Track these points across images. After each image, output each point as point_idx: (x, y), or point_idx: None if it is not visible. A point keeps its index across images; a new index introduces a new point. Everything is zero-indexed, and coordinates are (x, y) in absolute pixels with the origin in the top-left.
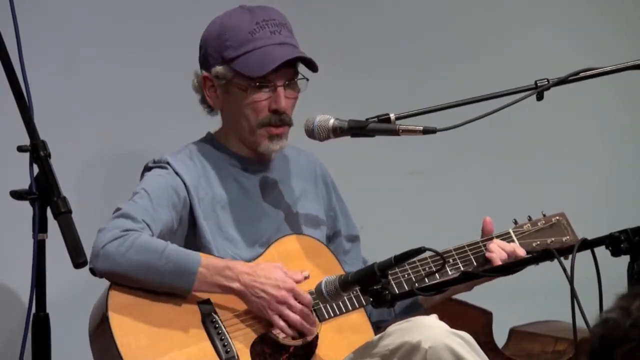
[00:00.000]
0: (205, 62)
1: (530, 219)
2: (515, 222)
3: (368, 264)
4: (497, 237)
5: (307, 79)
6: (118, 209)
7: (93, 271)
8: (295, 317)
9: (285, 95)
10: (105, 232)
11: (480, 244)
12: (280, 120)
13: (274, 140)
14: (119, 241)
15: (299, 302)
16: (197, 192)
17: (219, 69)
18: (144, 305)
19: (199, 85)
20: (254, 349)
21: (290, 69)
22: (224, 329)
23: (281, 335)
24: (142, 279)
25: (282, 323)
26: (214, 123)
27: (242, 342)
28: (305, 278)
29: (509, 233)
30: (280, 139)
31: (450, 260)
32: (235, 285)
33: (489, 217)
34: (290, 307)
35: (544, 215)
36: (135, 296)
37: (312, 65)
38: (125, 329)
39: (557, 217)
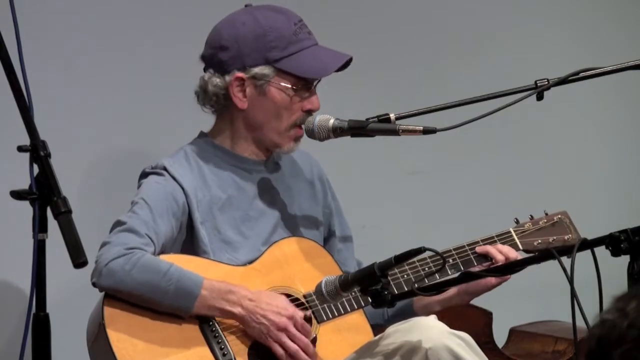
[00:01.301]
0: (237, 62)
1: (532, 217)
2: (517, 221)
3: (362, 266)
4: (498, 236)
5: (319, 80)
6: (120, 222)
7: (95, 285)
8: (293, 346)
9: None
10: (109, 247)
11: (481, 244)
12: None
13: (298, 141)
14: (124, 259)
15: (298, 331)
16: (196, 194)
17: (259, 69)
18: (141, 310)
19: (224, 85)
20: (252, 351)
21: None
22: (221, 333)
23: None
24: (144, 298)
25: (281, 351)
26: (211, 123)
27: (239, 346)
28: (306, 316)
29: (509, 232)
30: (300, 139)
31: (450, 260)
32: (237, 310)
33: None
34: (289, 335)
35: (546, 214)
36: (131, 302)
37: (344, 67)
38: (122, 335)
39: (559, 216)
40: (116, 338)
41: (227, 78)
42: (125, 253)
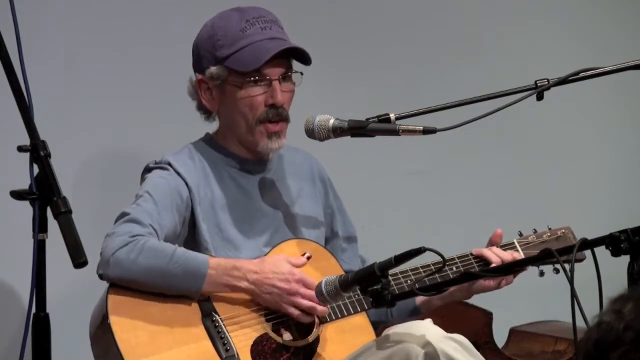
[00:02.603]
0: (198, 65)
1: (535, 231)
2: (520, 234)
3: (367, 262)
4: (501, 247)
5: (302, 73)
6: (124, 214)
7: (101, 277)
8: (309, 303)
9: (281, 89)
10: (113, 237)
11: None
12: (277, 114)
13: (273, 138)
14: (129, 247)
15: (308, 289)
16: (198, 192)
17: (213, 69)
18: (144, 303)
19: (195, 90)
20: (254, 348)
21: (284, 63)
22: (224, 328)
23: (283, 336)
24: (152, 284)
25: (297, 312)
26: (213, 123)
27: (242, 341)
28: (308, 258)
29: (513, 243)
30: (278, 137)
31: (454, 268)
32: (244, 284)
33: (500, 230)
34: (302, 296)
35: (550, 229)
36: (135, 295)
37: (305, 58)
38: (125, 326)
39: (563, 230)
40: (119, 329)
41: (194, 82)
42: (129, 241)
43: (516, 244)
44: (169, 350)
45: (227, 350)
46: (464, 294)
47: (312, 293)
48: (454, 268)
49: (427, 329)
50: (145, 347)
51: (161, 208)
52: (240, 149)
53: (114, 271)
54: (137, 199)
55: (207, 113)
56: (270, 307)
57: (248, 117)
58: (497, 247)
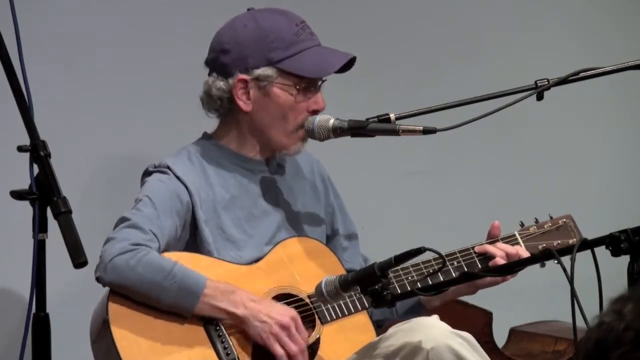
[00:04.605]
0: (239, 64)
1: (536, 221)
2: (522, 225)
3: (369, 261)
4: (503, 239)
5: (325, 80)
6: (125, 219)
7: (98, 280)
8: (294, 347)
9: None
10: (113, 243)
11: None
12: None
13: (304, 141)
14: (129, 255)
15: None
16: (199, 194)
17: (261, 70)
18: (145, 308)
19: (228, 88)
20: (256, 351)
21: None
22: (225, 333)
23: None
24: (147, 296)
25: (281, 351)
26: (212, 123)
27: (243, 345)
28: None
29: (514, 235)
30: (306, 140)
31: (455, 263)
32: (241, 310)
33: (497, 222)
34: (290, 336)
35: (551, 218)
36: (136, 300)
37: (346, 69)
38: (126, 332)
39: (564, 220)
40: (120, 336)
41: (231, 81)
42: (130, 249)
43: (517, 235)
44: (169, 355)
45: (227, 354)
46: (469, 289)
47: (300, 338)
48: (455, 263)
49: (433, 325)
50: (145, 352)
51: (161, 212)
52: (243, 148)
53: (110, 277)
54: (136, 203)
55: (217, 112)
56: (259, 340)
57: (289, 122)
58: (499, 240)
